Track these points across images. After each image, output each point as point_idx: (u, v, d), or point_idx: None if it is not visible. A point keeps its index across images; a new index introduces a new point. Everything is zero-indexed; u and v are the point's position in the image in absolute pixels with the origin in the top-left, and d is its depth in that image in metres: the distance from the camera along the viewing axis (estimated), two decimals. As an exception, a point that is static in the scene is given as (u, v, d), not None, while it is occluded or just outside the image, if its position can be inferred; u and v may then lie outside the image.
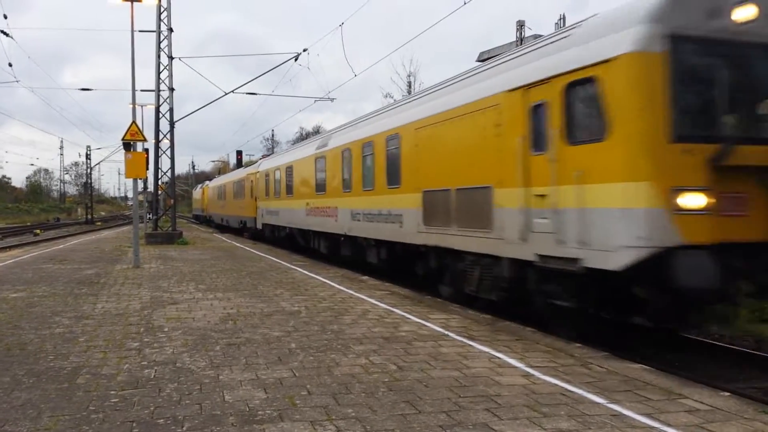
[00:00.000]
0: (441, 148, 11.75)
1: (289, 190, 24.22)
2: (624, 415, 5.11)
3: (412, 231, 12.82)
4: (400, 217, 13.56)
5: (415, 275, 13.47)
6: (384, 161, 14.59)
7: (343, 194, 17.69)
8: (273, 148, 74.96)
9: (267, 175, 29.01)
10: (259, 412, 5.12)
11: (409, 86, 41.31)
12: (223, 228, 44.17)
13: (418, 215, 12.51)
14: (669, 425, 4.88)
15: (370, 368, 6.51)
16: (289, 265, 18.06)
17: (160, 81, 28.18)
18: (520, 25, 23.49)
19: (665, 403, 5.45)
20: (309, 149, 21.87)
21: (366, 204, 15.82)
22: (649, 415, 5.09)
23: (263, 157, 37.16)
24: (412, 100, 14.62)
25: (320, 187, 19.99)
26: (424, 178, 12.39)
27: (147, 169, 23.30)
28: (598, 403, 5.39)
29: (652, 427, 4.83)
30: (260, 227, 30.22)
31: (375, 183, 15.24)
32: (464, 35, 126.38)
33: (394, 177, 13.93)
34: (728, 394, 5.80)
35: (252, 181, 32.53)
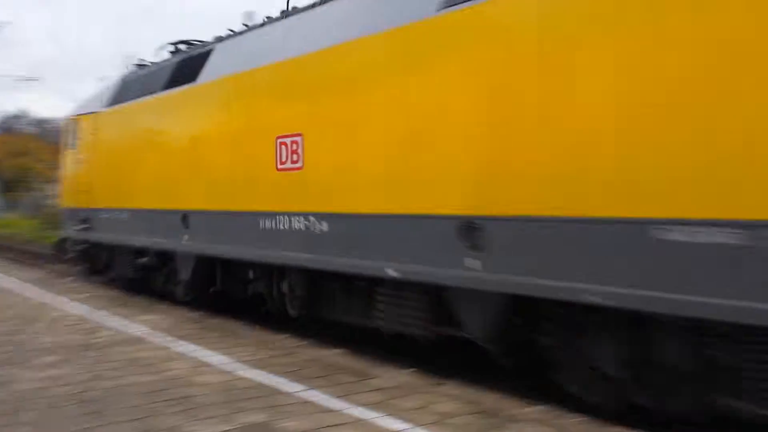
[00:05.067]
0: None
1: None
2: (317, 399, 5.35)
3: None
4: None
5: None
6: None
7: None
8: None
9: None
10: None
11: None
12: None
13: None
14: (358, 405, 5.21)
15: (58, 380, 5.97)
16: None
17: None
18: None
19: (356, 384, 5.82)
20: None
21: None
22: (340, 397, 5.39)
23: None
24: None
25: None
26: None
27: None
28: (294, 392, 5.57)
29: (342, 408, 5.12)
30: None
31: None
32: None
33: None
34: (413, 370, 6.40)
35: None
